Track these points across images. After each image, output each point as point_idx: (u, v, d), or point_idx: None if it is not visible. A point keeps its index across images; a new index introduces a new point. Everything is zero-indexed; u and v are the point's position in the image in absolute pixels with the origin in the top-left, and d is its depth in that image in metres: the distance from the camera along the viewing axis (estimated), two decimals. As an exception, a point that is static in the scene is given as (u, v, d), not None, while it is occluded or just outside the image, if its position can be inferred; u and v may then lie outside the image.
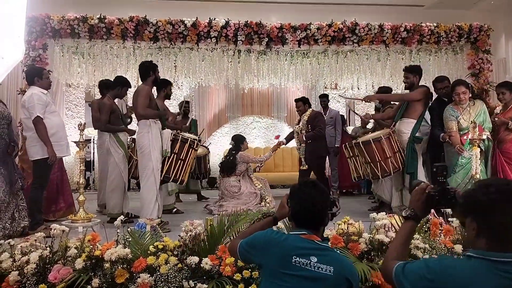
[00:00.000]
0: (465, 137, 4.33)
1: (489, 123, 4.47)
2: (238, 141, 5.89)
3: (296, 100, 6.17)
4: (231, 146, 5.95)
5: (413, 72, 4.89)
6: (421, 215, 1.67)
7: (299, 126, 5.95)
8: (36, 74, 4.38)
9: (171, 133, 4.46)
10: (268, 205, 5.34)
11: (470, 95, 4.52)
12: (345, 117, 8.38)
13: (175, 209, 5.37)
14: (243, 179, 5.64)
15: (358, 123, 7.96)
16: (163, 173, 4.34)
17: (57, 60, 6.74)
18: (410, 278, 1.43)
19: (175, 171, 4.38)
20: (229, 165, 5.70)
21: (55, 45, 6.66)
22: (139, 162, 4.35)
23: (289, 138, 6.37)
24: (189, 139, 4.54)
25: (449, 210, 3.12)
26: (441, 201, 1.64)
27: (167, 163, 4.35)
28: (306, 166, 5.80)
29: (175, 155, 4.39)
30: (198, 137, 5.75)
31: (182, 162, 4.42)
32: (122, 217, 2.82)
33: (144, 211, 4.19)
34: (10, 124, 4.16)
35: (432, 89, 5.16)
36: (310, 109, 6.08)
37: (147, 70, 4.48)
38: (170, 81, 5.68)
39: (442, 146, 4.71)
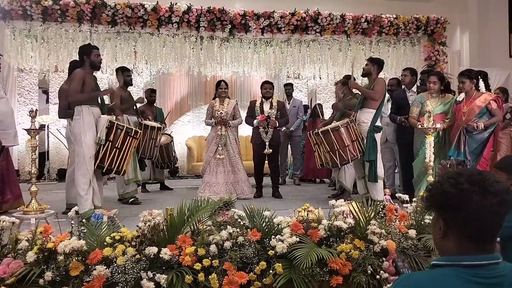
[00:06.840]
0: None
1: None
2: None
3: (268, 82, 5.86)
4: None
5: (372, 62, 4.99)
6: None
7: (271, 111, 5.66)
8: None
9: (107, 120, 4.29)
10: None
11: (442, 88, 4.81)
12: (308, 106, 8.43)
13: (132, 199, 5.21)
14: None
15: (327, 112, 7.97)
16: (97, 161, 4.19)
17: (8, 43, 6.40)
18: None
19: (109, 160, 4.22)
20: None
21: (6, 28, 6.32)
22: (74, 149, 4.22)
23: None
24: (125, 126, 4.37)
25: (404, 196, 3.26)
26: None
27: (101, 151, 4.19)
28: (271, 150, 5.69)
29: (110, 143, 4.23)
30: (162, 125, 5.59)
31: (117, 150, 4.24)
32: (76, 207, 2.72)
33: (78, 199, 4.01)
34: None
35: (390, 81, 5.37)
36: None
37: (81, 55, 4.31)
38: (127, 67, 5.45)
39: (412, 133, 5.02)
